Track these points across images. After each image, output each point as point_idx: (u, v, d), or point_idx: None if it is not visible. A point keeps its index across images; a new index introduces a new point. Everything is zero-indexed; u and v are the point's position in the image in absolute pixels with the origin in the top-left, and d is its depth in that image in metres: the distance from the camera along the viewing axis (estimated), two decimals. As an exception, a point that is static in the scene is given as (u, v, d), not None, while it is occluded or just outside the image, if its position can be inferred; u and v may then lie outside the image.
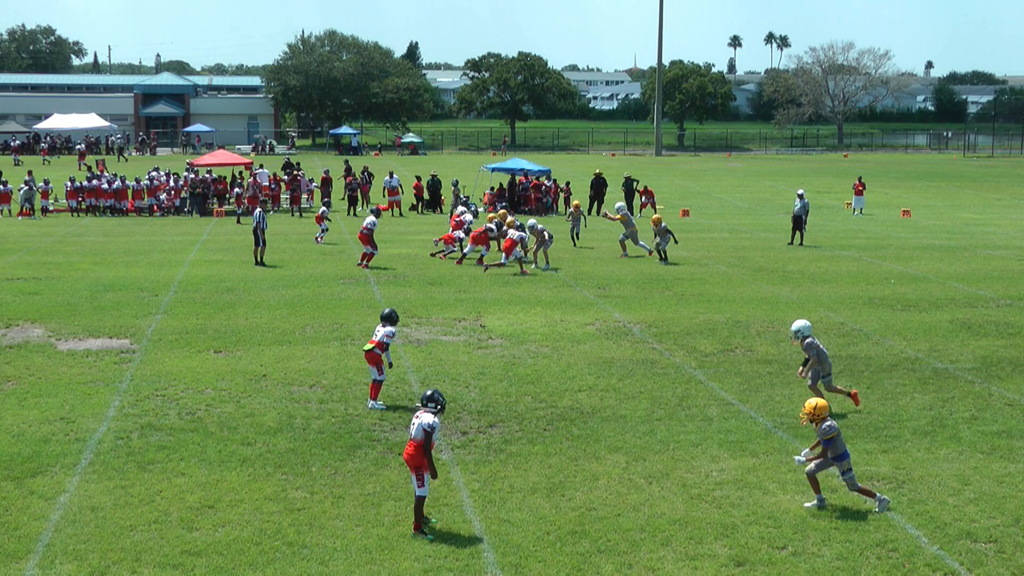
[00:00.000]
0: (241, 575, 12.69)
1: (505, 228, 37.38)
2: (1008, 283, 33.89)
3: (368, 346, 19.27)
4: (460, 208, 39.75)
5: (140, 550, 13.26)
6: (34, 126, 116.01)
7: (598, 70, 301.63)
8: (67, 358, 22.58)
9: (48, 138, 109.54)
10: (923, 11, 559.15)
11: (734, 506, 14.88)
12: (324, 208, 42.69)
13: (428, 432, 13.81)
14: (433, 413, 14.04)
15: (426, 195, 58.26)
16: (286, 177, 58.14)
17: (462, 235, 38.05)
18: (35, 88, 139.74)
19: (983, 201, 70.16)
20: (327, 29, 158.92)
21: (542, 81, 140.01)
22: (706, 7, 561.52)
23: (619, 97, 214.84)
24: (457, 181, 56.30)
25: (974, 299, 30.96)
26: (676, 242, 38.27)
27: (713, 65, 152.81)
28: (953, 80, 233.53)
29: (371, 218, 35.55)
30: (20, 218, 52.02)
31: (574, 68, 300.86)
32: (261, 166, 65.53)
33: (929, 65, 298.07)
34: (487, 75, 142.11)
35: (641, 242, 38.99)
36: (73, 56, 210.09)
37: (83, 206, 54.24)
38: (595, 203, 57.18)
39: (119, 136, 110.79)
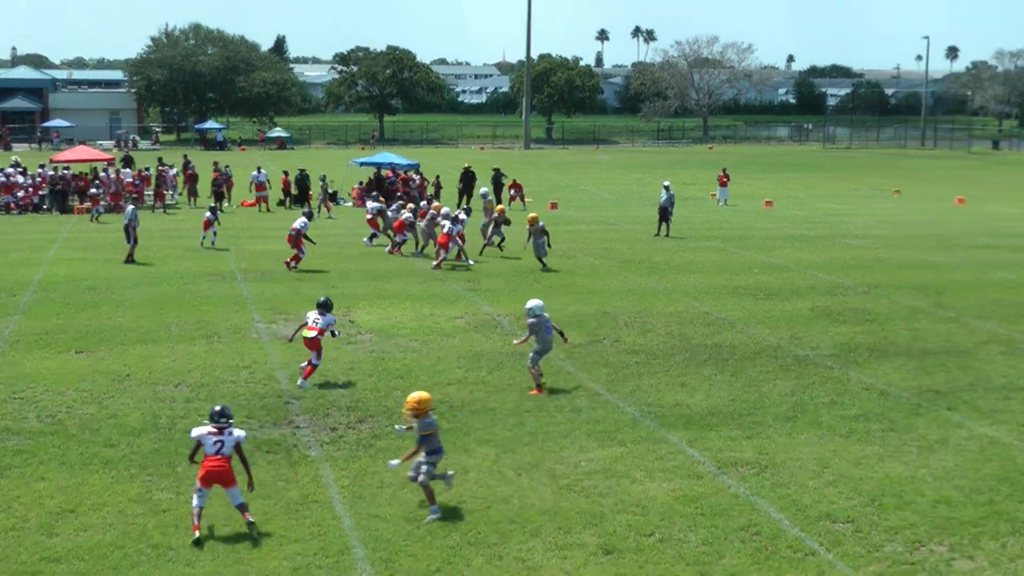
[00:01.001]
0: (104, 580, 12.41)
1: (440, 220, 36.65)
2: (865, 271, 34.87)
3: (309, 333, 20.25)
4: (443, 217, 36.74)
5: (-2, 557, 12.89)
6: None
7: (467, 64, 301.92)
8: (-80, 362, 21.81)
9: None
10: (785, 6, 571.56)
11: (602, 495, 15.04)
12: (210, 214, 39.94)
13: (240, 444, 14.00)
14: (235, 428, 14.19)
15: (294, 190, 57.59)
16: (129, 171, 57.06)
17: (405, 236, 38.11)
18: None
19: (842, 191, 72.03)
20: (192, 23, 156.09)
21: (411, 75, 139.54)
22: (574, 1, 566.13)
23: (488, 91, 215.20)
24: (325, 176, 55.83)
25: (833, 287, 31.78)
26: (550, 246, 35.76)
27: (581, 59, 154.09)
28: (813, 73, 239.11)
29: (302, 219, 34.42)
30: None
31: (443, 62, 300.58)
32: (124, 163, 64.13)
33: (790, 59, 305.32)
34: (356, 69, 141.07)
35: (490, 235, 39.22)
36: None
37: (-65, 204, 52.40)
38: (464, 196, 57.21)
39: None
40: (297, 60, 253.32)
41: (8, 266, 34.00)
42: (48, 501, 14.60)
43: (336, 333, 21.01)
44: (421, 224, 37.97)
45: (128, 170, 58.32)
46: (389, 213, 40.23)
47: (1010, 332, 25.91)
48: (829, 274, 34.12)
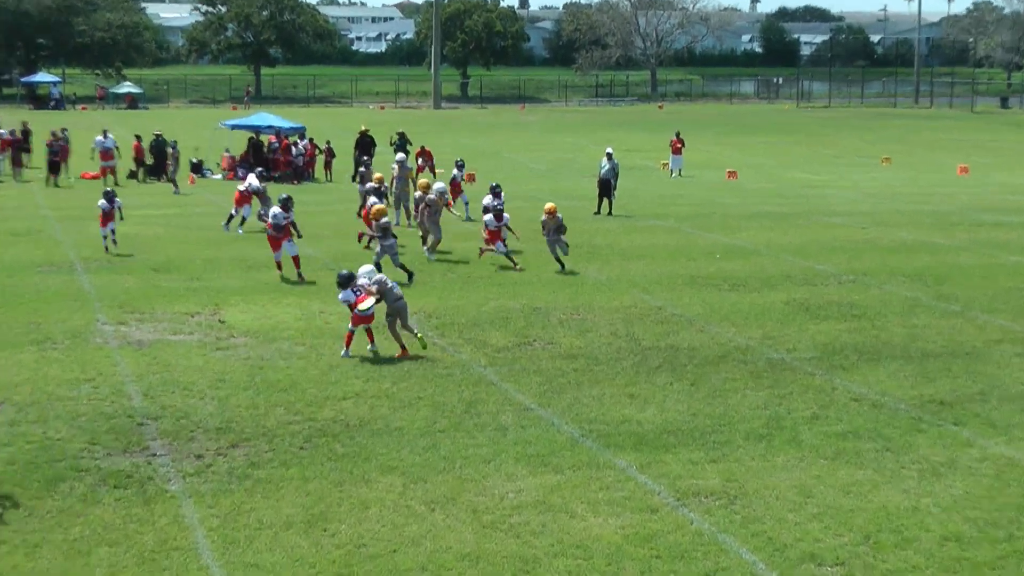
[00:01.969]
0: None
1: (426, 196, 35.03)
2: (851, 255, 35.15)
3: (364, 306, 22.66)
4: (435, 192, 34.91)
5: None
6: None
7: (362, 4, 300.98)
8: None
9: None
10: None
11: (535, 534, 14.91)
12: (105, 202, 35.40)
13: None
14: None
15: (148, 159, 56.97)
16: None
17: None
18: None
19: (820, 159, 72.90)
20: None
21: (293, 18, 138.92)
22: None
23: (388, 37, 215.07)
24: (176, 143, 55.05)
25: (812, 275, 31.98)
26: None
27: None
28: (783, 16, 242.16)
29: (276, 209, 31.10)
30: None
31: (333, 2, 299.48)
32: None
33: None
34: (224, 10, 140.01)
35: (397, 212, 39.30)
36: None
37: None
38: (361, 166, 56.85)
39: None
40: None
41: None
42: None
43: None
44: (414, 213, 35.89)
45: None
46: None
47: (1026, 329, 26.23)
48: (807, 259, 34.34)
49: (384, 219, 29.90)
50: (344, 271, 23.62)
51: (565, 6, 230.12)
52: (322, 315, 26.56)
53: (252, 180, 39.43)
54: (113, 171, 53.99)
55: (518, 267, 32.20)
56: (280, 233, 30.68)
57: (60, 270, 31.58)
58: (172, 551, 14.34)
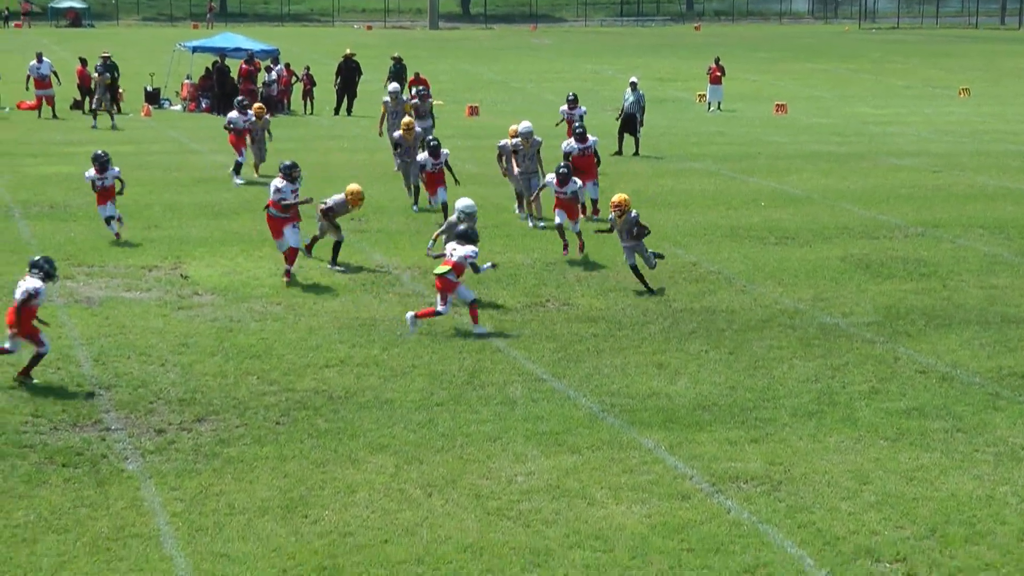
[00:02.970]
0: None
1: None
2: (919, 204, 35.20)
3: (443, 269, 22.38)
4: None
5: None
6: None
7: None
8: None
9: None
10: None
11: (548, 523, 15.10)
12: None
13: (31, 295, 18.96)
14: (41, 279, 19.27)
15: (95, 86, 56.92)
16: None
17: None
18: None
19: (886, 90, 72.68)
20: None
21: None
22: None
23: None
24: (109, 63, 54.34)
25: (874, 227, 32.06)
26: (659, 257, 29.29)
27: None
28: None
29: (279, 181, 26.51)
30: None
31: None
32: None
33: None
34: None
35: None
36: None
37: None
38: (344, 97, 57.03)
39: None
40: None
41: None
42: None
43: (479, 268, 22.98)
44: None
45: None
46: None
47: (1123, 291, 26.33)
48: (868, 209, 34.41)
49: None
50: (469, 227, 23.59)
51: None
52: (300, 270, 26.69)
53: (232, 115, 38.18)
54: (50, 101, 54.08)
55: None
56: (287, 213, 26.32)
57: (-6, 216, 31.77)
58: (130, 538, 14.53)
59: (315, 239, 27.21)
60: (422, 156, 32.17)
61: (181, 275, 26.07)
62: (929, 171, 41.28)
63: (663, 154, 44.36)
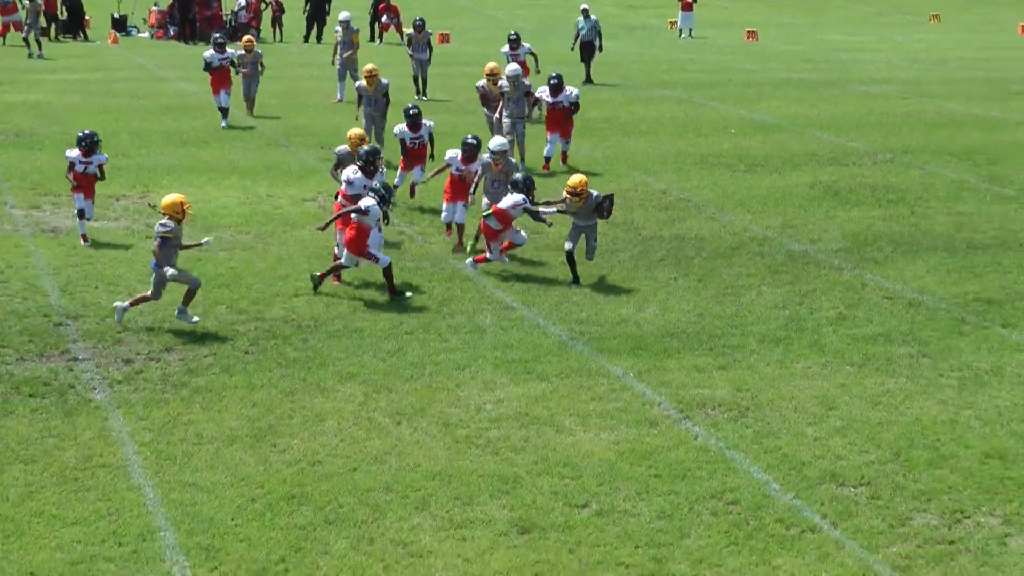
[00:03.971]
0: None
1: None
2: (888, 131, 35.24)
3: (487, 213, 21.98)
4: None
5: None
6: None
7: None
8: None
9: None
10: None
11: (516, 451, 15.17)
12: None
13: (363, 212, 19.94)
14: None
15: (62, 13, 56.59)
16: None
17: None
18: None
19: (856, 16, 72.55)
20: None
21: None
22: None
23: None
24: None
25: (843, 154, 32.10)
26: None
27: None
28: None
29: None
30: None
31: None
32: None
33: None
34: None
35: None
36: None
37: None
38: (315, 25, 56.69)
39: None
40: None
41: None
42: None
43: (540, 216, 22.04)
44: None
45: None
46: None
47: (1089, 217, 26.44)
48: (837, 135, 34.44)
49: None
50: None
51: None
52: (270, 199, 26.64)
53: (207, 53, 35.43)
54: (18, 27, 53.60)
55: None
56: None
57: (-39, 145, 31.63)
58: (97, 468, 14.56)
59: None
60: (399, 128, 26.15)
61: (149, 204, 25.92)
62: (898, 98, 41.31)
63: (633, 81, 44.24)
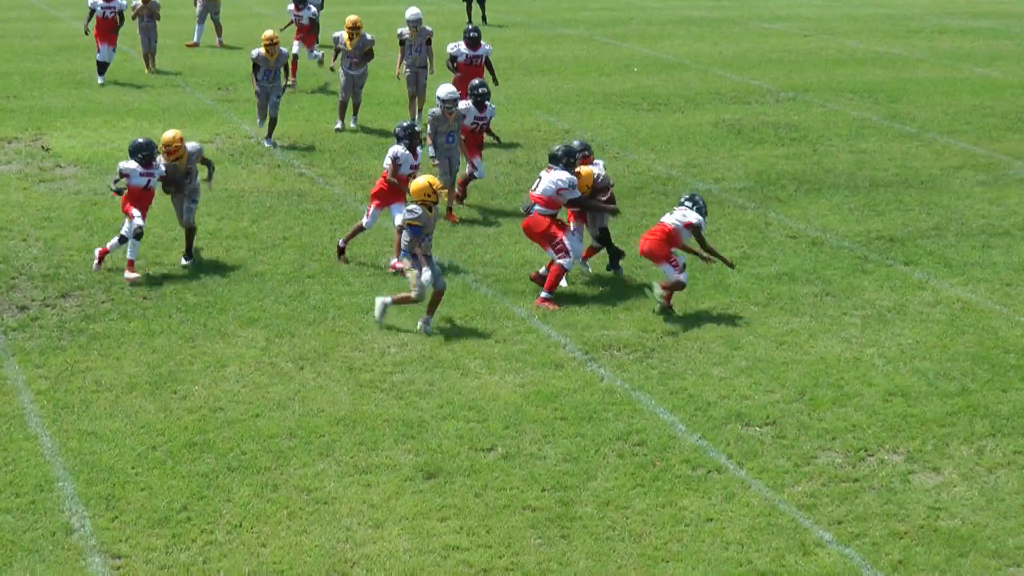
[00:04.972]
0: None
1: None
2: (790, 68, 35.42)
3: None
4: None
5: None
6: None
7: None
8: None
9: None
10: None
11: (421, 395, 15.17)
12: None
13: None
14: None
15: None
16: None
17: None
18: None
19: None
20: None
21: None
22: None
23: None
24: None
25: (745, 92, 32.23)
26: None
27: None
28: None
29: (399, 148, 19.82)
30: None
31: None
32: None
33: None
34: None
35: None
36: None
37: None
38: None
39: None
40: None
41: None
42: None
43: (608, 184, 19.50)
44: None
45: None
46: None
47: (991, 153, 26.69)
48: (739, 74, 34.55)
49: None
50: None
51: None
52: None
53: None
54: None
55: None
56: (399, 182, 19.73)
57: None
58: (-6, 418, 14.47)
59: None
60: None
61: (42, 147, 25.69)
62: (799, 35, 41.51)
63: (536, 20, 44.12)
